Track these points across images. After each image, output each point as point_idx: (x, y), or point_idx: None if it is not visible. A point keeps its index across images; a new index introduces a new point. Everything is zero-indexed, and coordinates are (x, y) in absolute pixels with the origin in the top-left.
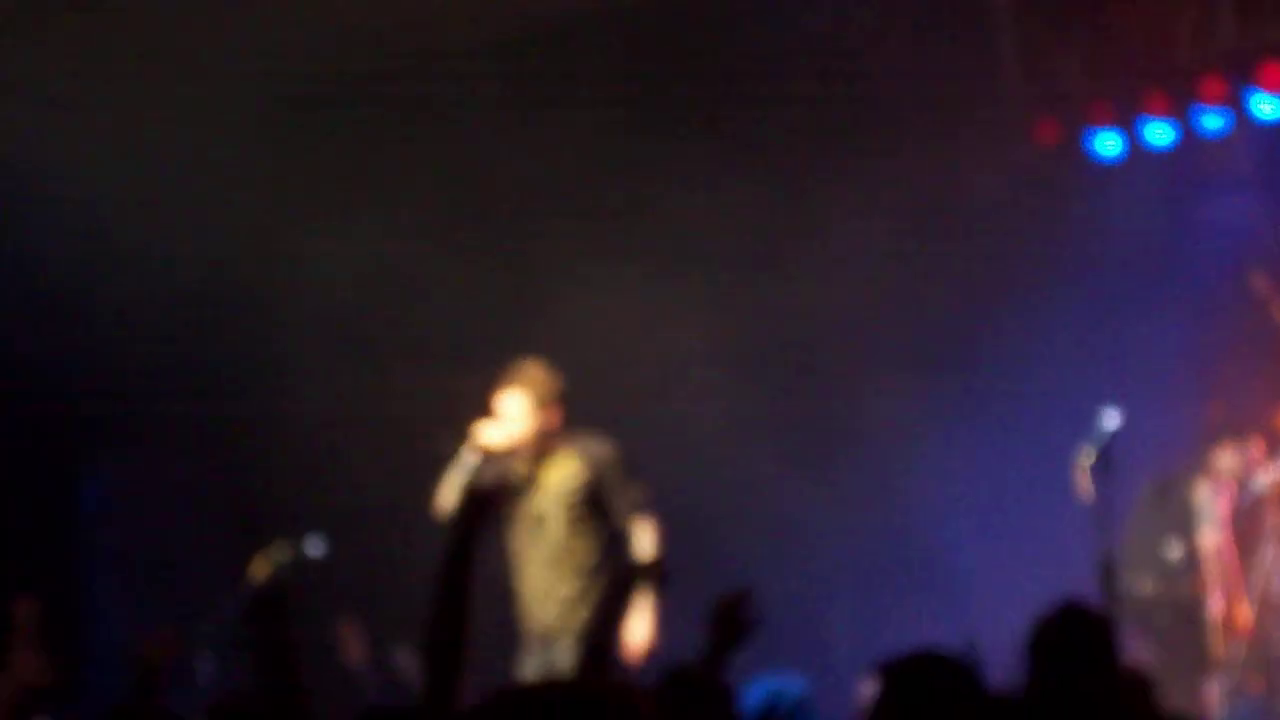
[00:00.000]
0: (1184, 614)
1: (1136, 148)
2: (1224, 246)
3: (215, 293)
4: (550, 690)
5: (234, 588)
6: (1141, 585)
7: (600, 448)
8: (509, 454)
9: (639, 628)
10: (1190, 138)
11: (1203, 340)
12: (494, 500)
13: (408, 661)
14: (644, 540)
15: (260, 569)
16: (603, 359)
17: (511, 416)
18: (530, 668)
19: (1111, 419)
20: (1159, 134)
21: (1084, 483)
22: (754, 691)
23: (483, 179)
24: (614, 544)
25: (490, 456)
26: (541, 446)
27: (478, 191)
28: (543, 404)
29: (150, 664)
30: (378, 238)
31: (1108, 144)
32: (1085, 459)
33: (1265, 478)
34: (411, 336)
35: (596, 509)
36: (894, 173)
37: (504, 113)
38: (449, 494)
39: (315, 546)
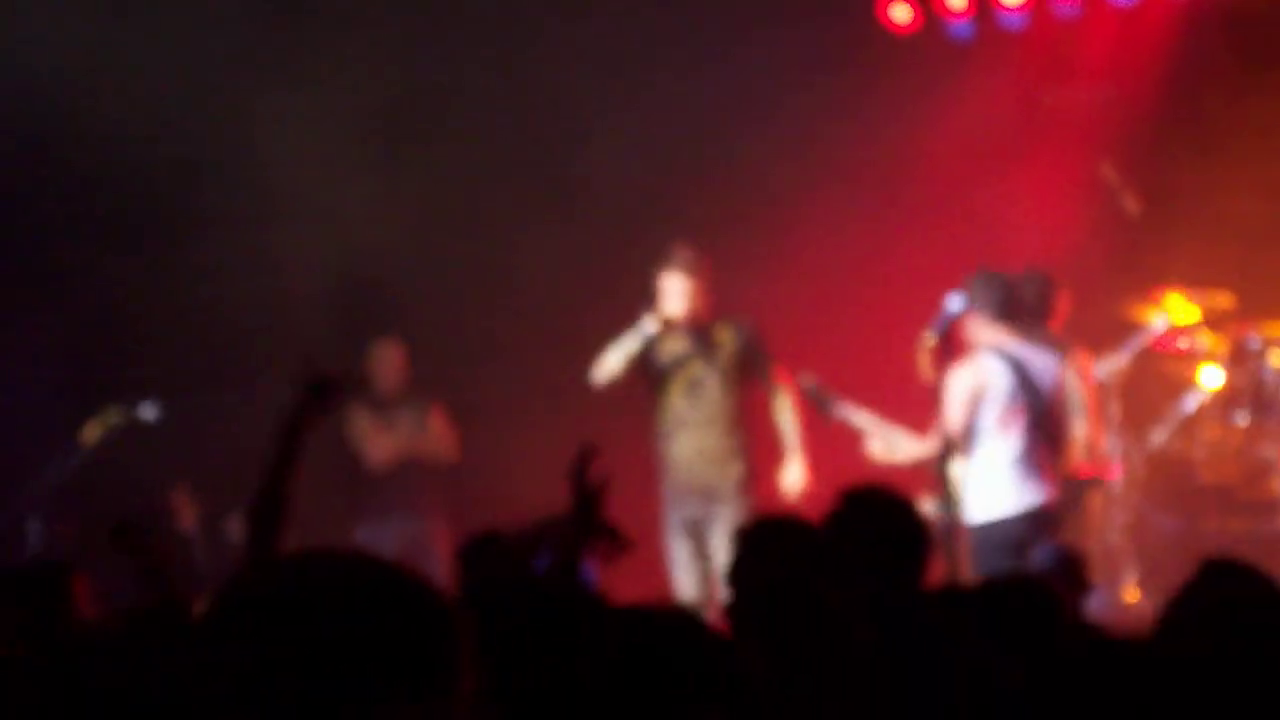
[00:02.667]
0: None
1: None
2: (1073, 134)
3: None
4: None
5: (66, 450)
6: None
7: (748, 320)
8: (676, 326)
9: (794, 472)
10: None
11: (1048, 227)
12: (338, 386)
13: (238, 529)
14: (786, 399)
15: (92, 432)
16: None
17: (676, 294)
18: (679, 518)
19: (955, 303)
20: None
21: (925, 365)
22: None
23: None
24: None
25: (666, 328)
26: (699, 319)
27: None
28: (703, 282)
29: None
30: None
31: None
32: (928, 341)
33: (1109, 366)
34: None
35: (745, 373)
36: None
37: None
38: (614, 362)
39: (148, 410)
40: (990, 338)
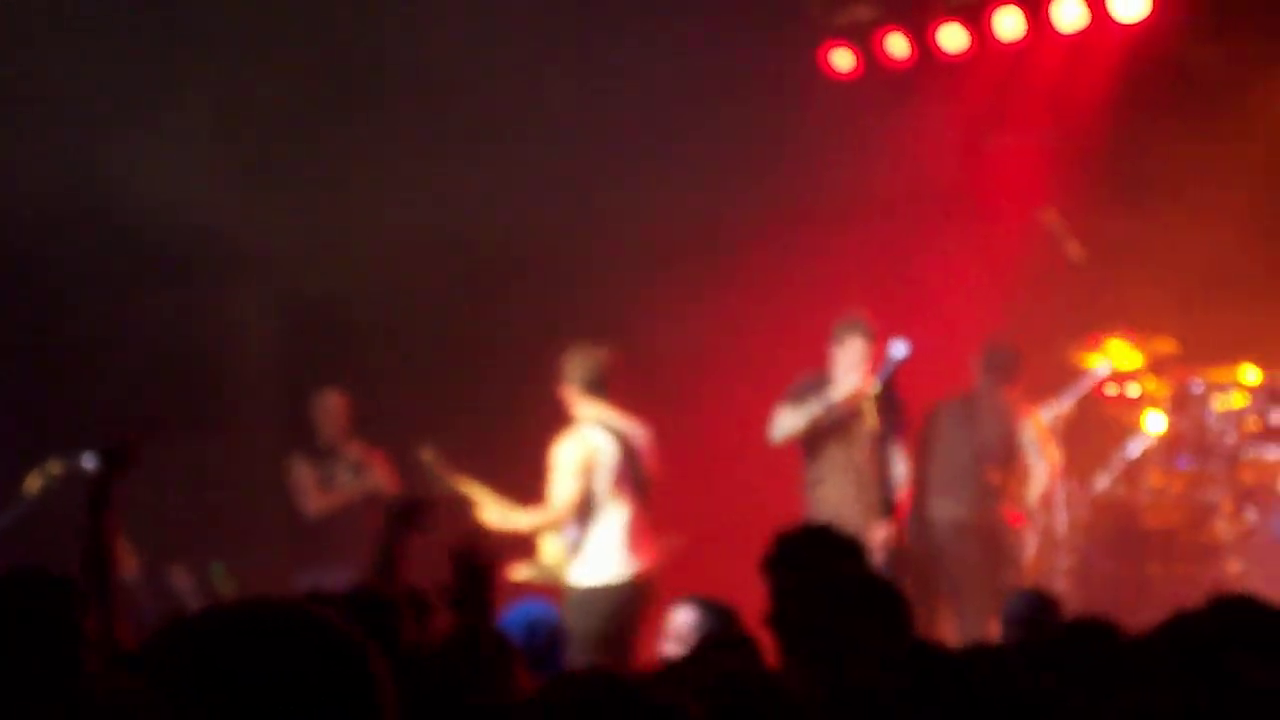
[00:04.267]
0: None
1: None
2: (1015, 181)
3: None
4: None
5: (8, 501)
6: (949, 509)
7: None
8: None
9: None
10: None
11: (991, 273)
12: (136, 447)
13: (181, 577)
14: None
15: (34, 484)
16: None
17: (860, 358)
18: None
19: (899, 349)
20: (952, 38)
21: (871, 412)
22: (512, 619)
23: None
24: None
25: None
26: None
27: None
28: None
29: None
30: None
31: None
32: (873, 389)
33: (1053, 412)
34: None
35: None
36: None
37: None
38: (798, 424)
39: (89, 461)
40: (591, 412)
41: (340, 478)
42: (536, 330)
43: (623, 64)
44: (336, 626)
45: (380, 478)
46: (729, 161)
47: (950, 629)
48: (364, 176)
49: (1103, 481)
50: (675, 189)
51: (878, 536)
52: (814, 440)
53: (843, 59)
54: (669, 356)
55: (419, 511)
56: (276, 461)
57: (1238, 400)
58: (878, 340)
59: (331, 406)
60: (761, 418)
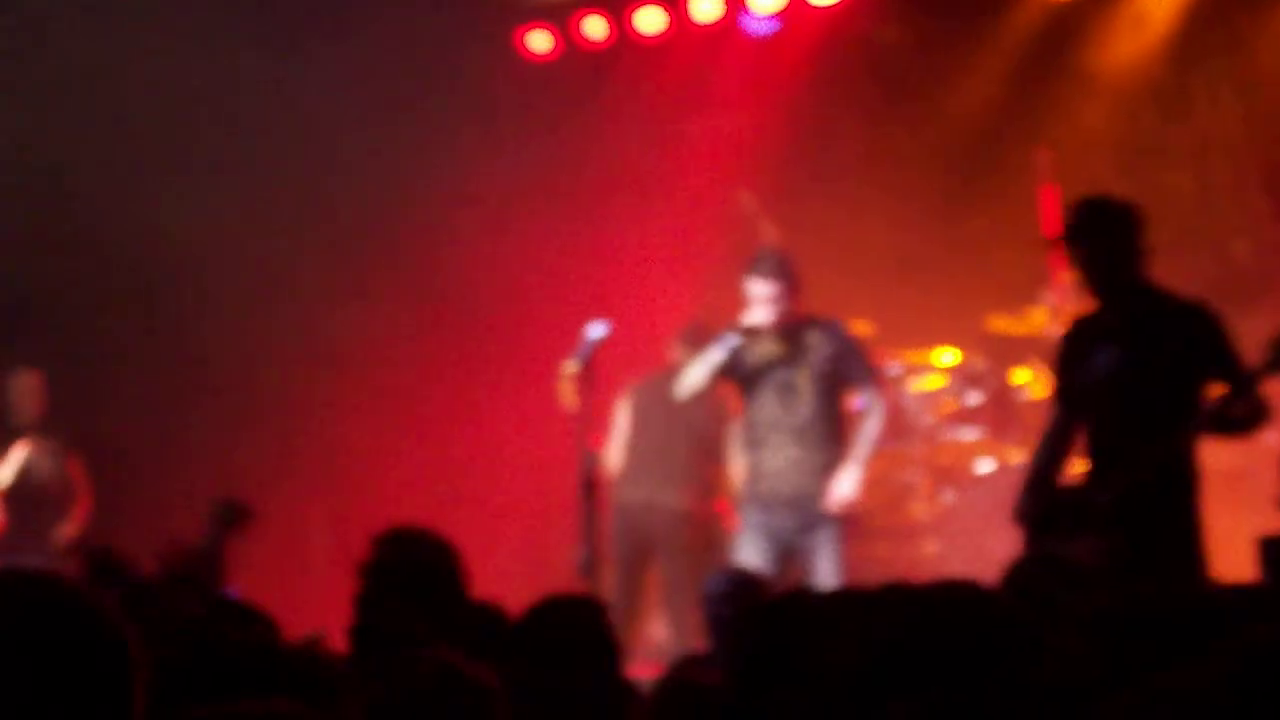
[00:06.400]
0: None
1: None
2: (711, 163)
3: None
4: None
5: None
6: (634, 493)
7: (840, 324)
8: (764, 331)
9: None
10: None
11: (688, 255)
12: None
13: None
14: (876, 407)
15: None
16: None
17: (761, 299)
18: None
19: (597, 330)
20: (650, 20)
21: (568, 393)
22: None
23: None
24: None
25: (751, 335)
26: (788, 322)
27: None
28: (792, 287)
29: None
30: None
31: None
32: (570, 369)
33: None
34: None
35: (838, 379)
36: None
37: None
38: (700, 375)
39: None
40: None
41: (31, 460)
42: (217, 320)
43: (313, 46)
44: (90, 600)
45: (71, 471)
46: (423, 143)
47: (657, 622)
48: None
49: None
50: (369, 171)
51: None
52: (743, 395)
53: (540, 41)
54: (363, 339)
55: (242, 513)
56: None
57: (934, 382)
58: (791, 276)
59: (28, 388)
60: (453, 408)
